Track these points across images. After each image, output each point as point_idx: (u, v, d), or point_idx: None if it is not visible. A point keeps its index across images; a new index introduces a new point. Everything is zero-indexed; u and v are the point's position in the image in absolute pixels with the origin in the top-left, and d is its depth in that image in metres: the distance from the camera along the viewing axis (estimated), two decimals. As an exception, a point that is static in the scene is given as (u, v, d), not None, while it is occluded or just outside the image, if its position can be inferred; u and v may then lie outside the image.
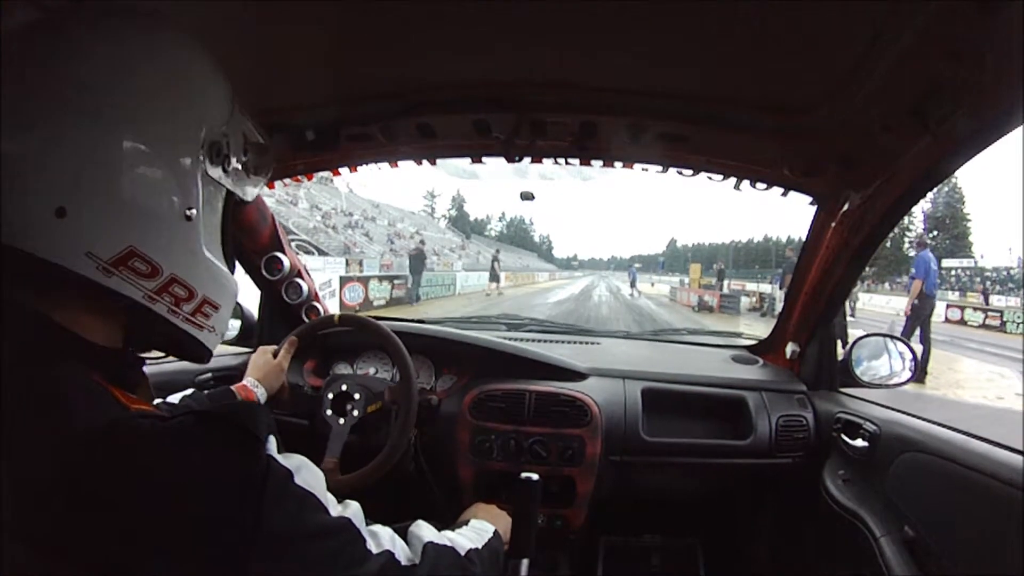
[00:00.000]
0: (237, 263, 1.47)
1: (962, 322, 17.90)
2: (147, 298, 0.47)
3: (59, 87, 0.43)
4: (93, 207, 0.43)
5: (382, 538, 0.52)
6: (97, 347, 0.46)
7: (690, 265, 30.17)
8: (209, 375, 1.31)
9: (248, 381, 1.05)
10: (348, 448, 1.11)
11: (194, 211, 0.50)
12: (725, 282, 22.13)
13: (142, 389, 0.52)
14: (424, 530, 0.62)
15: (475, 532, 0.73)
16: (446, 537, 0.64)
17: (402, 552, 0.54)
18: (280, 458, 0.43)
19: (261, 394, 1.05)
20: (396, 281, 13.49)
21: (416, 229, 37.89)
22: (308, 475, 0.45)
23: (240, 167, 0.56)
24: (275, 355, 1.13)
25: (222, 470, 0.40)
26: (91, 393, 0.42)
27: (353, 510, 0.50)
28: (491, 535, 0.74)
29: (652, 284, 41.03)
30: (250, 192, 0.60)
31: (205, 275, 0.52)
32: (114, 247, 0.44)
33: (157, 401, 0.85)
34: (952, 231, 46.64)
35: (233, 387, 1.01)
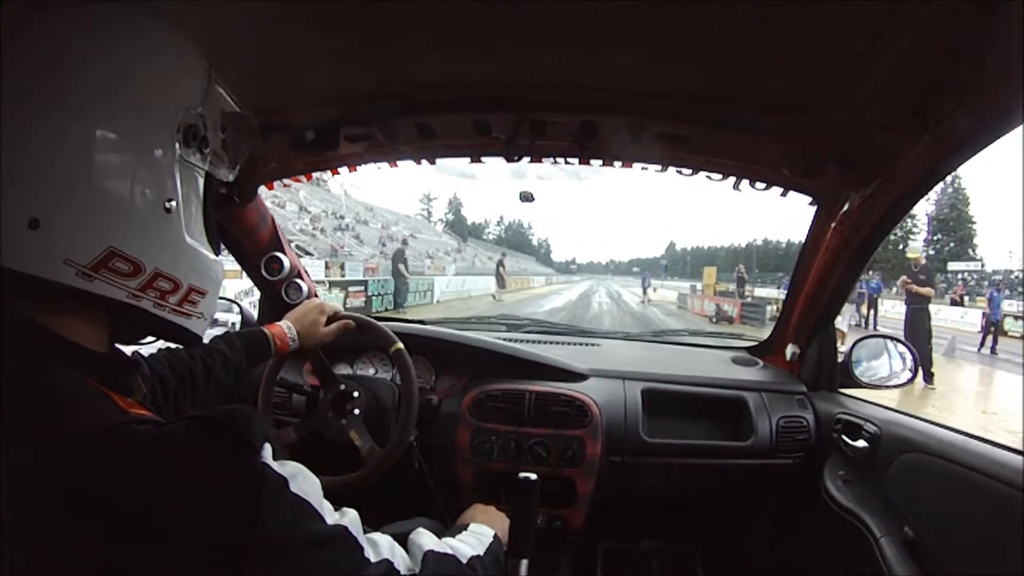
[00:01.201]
0: (234, 259, 1.47)
1: (1000, 332, 12.94)
2: (131, 296, 0.46)
3: (25, 84, 0.40)
4: (67, 213, 0.42)
5: (381, 546, 0.51)
6: (92, 352, 0.46)
7: (704, 269, 26.19)
8: None
9: (286, 326, 1.02)
10: (348, 448, 1.10)
11: (174, 202, 0.48)
12: (746, 287, 19.79)
13: (138, 390, 0.52)
14: (424, 538, 0.61)
15: (475, 538, 0.72)
16: (447, 545, 0.63)
17: (402, 561, 0.53)
18: (275, 465, 0.43)
19: (294, 347, 1.02)
20: (352, 288, 11.76)
21: (410, 232, 37.51)
22: (304, 483, 0.45)
23: (219, 147, 0.54)
24: (328, 321, 1.07)
25: (218, 477, 0.40)
26: (89, 398, 0.42)
27: (350, 518, 0.49)
28: (491, 539, 0.73)
29: (655, 289, 39.47)
30: (231, 173, 0.58)
31: (189, 264, 0.51)
32: (93, 250, 0.43)
33: None
34: (957, 233, 45.57)
35: (267, 328, 0.99)
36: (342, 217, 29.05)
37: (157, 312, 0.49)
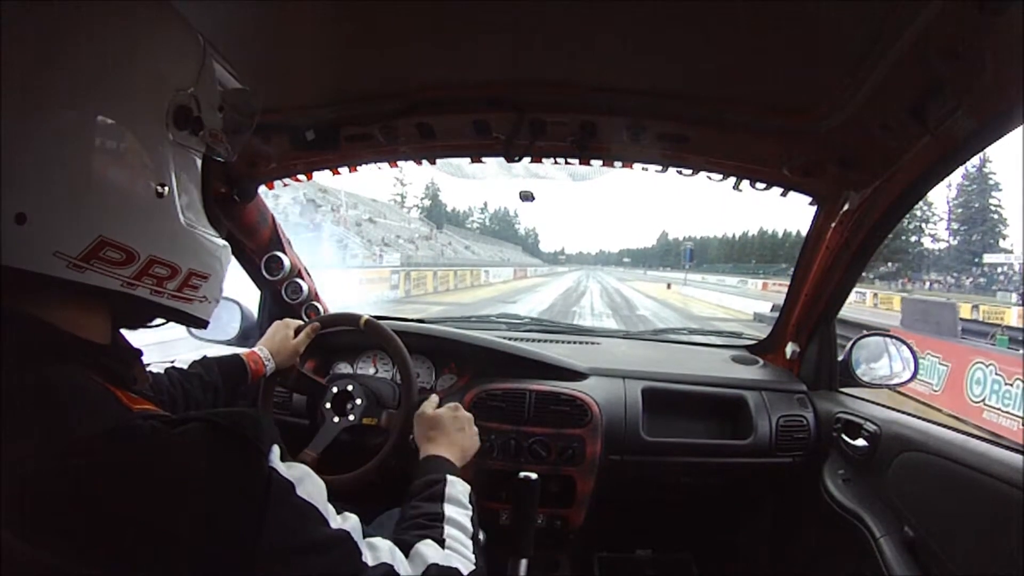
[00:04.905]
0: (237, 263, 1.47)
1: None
2: (126, 285, 0.45)
3: (2, 76, 0.38)
4: (54, 205, 0.41)
5: (380, 551, 0.51)
6: (93, 345, 0.46)
7: None
8: None
9: (260, 351, 1.05)
10: (346, 447, 1.11)
11: (166, 187, 0.47)
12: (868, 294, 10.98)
13: (142, 381, 0.51)
14: (431, 550, 0.60)
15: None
16: (451, 559, 0.61)
17: (402, 565, 0.53)
18: (282, 468, 0.43)
19: (270, 367, 1.05)
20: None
21: (369, 216, 35.08)
22: (310, 486, 0.45)
23: (216, 126, 0.53)
24: (295, 333, 1.12)
25: (224, 482, 0.40)
26: (90, 396, 0.42)
27: (352, 523, 0.49)
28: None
29: (668, 286, 32.48)
30: (232, 149, 0.56)
31: (188, 248, 0.50)
32: (83, 241, 0.42)
33: (166, 365, 0.88)
34: (985, 224, 42.67)
35: (243, 354, 1.02)
36: (276, 196, 25.65)
37: (155, 299, 0.48)
